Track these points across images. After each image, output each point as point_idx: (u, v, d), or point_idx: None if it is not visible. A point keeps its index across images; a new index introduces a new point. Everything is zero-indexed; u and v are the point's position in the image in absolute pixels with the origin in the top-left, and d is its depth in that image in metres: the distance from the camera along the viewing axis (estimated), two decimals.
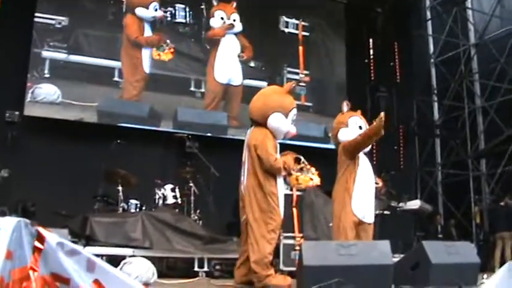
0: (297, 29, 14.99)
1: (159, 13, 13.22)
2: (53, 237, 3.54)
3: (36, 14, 12.14)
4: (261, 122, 6.78)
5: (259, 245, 6.46)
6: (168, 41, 13.01)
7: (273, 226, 6.52)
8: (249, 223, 6.59)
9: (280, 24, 14.85)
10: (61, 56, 12.26)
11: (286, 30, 14.90)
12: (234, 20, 13.87)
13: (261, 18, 14.58)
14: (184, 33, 13.70)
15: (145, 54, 12.98)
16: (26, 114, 11.69)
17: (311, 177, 6.67)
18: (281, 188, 6.74)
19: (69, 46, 12.35)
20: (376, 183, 7.74)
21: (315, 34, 15.36)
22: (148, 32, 13.14)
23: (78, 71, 12.37)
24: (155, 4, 13.16)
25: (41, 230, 3.59)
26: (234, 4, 13.93)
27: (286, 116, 6.75)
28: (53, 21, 12.24)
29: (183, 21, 13.61)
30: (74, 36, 12.44)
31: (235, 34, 13.94)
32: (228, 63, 13.72)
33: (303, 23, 15.05)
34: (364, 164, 7.39)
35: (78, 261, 3.56)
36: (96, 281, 3.69)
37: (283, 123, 6.73)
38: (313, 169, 6.75)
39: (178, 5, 13.61)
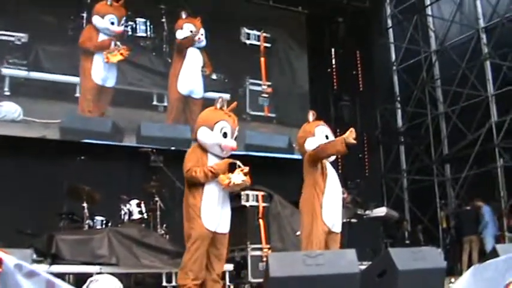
0: (258, 40, 14.97)
1: (116, 28, 12.87)
2: (10, 259, 3.47)
3: None
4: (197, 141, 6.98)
5: (183, 254, 6.75)
6: (118, 43, 12.70)
7: (193, 236, 6.66)
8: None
9: (241, 35, 14.80)
10: (21, 73, 12.05)
11: (248, 41, 14.85)
12: (202, 34, 13.79)
13: (222, 29, 14.47)
14: (146, 47, 13.61)
15: (97, 62, 12.69)
16: None
17: (228, 177, 6.68)
18: (209, 199, 6.79)
19: (30, 63, 12.17)
20: (342, 193, 7.78)
21: (276, 45, 15.36)
22: None
23: (39, 88, 12.20)
24: (111, 17, 12.77)
25: None
26: (200, 19, 13.79)
27: (212, 129, 6.81)
28: (12, 38, 12.02)
29: (144, 35, 13.51)
30: (34, 52, 12.27)
31: (199, 48, 13.85)
32: (191, 76, 13.62)
33: (264, 34, 15.02)
34: (331, 173, 7.41)
35: (37, 282, 3.49)
36: None
37: (208, 136, 6.83)
38: (237, 171, 6.76)
39: (138, 19, 13.48)
